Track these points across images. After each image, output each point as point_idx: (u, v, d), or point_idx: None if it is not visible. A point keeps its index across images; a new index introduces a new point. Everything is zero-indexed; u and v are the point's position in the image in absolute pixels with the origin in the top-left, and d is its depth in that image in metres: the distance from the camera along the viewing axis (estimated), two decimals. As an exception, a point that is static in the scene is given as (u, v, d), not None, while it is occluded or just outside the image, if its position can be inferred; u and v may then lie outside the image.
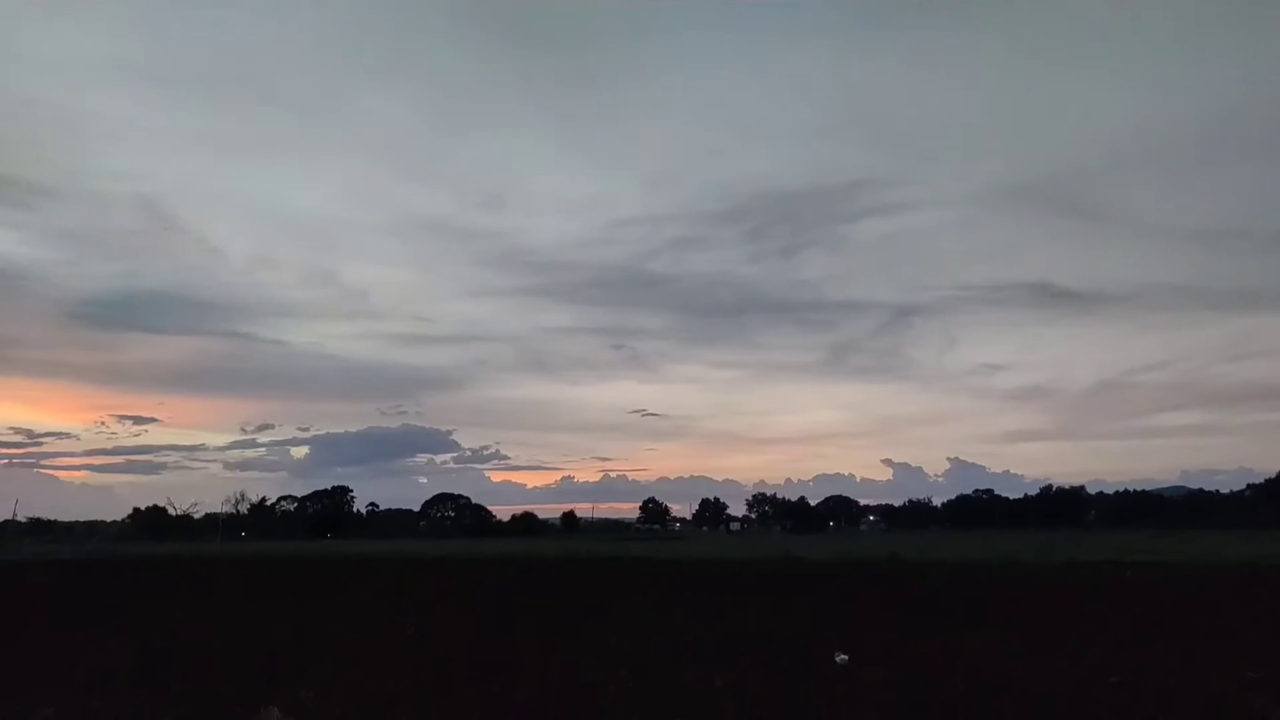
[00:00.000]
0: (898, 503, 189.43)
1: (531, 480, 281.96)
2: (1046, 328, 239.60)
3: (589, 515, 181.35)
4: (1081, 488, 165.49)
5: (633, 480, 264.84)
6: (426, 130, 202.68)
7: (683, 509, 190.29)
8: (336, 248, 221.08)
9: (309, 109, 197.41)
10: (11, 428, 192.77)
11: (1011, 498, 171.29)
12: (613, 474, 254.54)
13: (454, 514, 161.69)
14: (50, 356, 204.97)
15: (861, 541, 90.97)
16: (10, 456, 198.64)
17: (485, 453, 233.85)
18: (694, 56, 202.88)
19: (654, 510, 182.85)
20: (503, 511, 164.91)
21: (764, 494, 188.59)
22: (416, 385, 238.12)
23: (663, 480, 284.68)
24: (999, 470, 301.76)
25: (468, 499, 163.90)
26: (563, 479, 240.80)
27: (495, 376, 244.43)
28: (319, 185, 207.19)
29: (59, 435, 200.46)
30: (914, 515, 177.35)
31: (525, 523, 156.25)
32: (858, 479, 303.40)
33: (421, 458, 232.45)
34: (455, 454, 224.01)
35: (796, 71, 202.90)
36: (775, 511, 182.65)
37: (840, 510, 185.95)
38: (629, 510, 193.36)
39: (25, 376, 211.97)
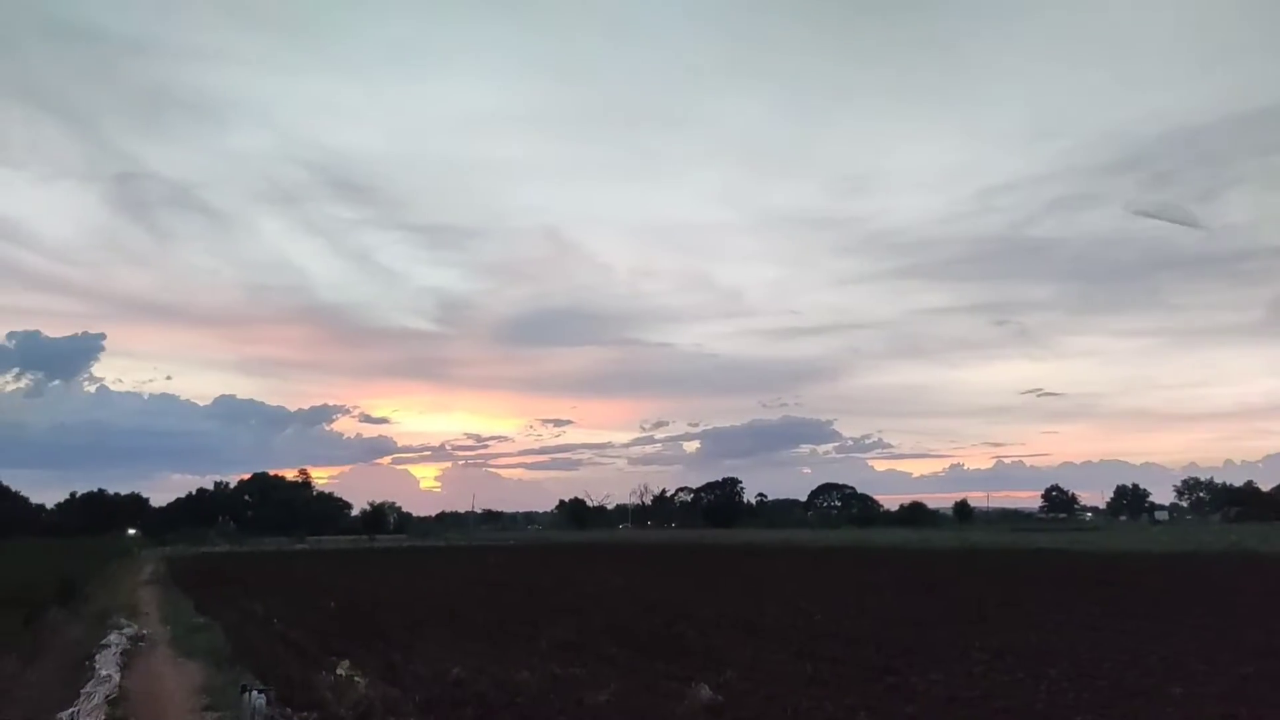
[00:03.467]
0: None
1: (917, 468, 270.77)
2: None
3: (983, 504, 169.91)
4: None
5: (1030, 466, 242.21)
6: (783, 125, 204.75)
7: (1093, 497, 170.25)
8: (709, 251, 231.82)
9: (672, 124, 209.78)
10: (465, 433, 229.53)
11: None
12: (1007, 460, 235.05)
13: (840, 503, 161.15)
14: (486, 372, 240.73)
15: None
16: (466, 458, 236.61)
17: (867, 441, 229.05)
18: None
19: (1059, 499, 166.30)
20: (889, 500, 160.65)
21: (1196, 478, 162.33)
22: (793, 377, 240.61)
23: (1066, 465, 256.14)
24: None
25: (852, 488, 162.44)
26: (951, 466, 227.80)
27: (870, 364, 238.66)
28: (689, 194, 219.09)
29: (499, 438, 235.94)
30: None
31: (914, 512, 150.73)
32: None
33: (804, 448, 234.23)
34: (837, 443, 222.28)
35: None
36: (1213, 498, 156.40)
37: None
38: (1027, 499, 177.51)
39: (470, 389, 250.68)
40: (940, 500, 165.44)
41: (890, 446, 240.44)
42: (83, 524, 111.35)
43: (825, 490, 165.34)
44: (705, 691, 10.32)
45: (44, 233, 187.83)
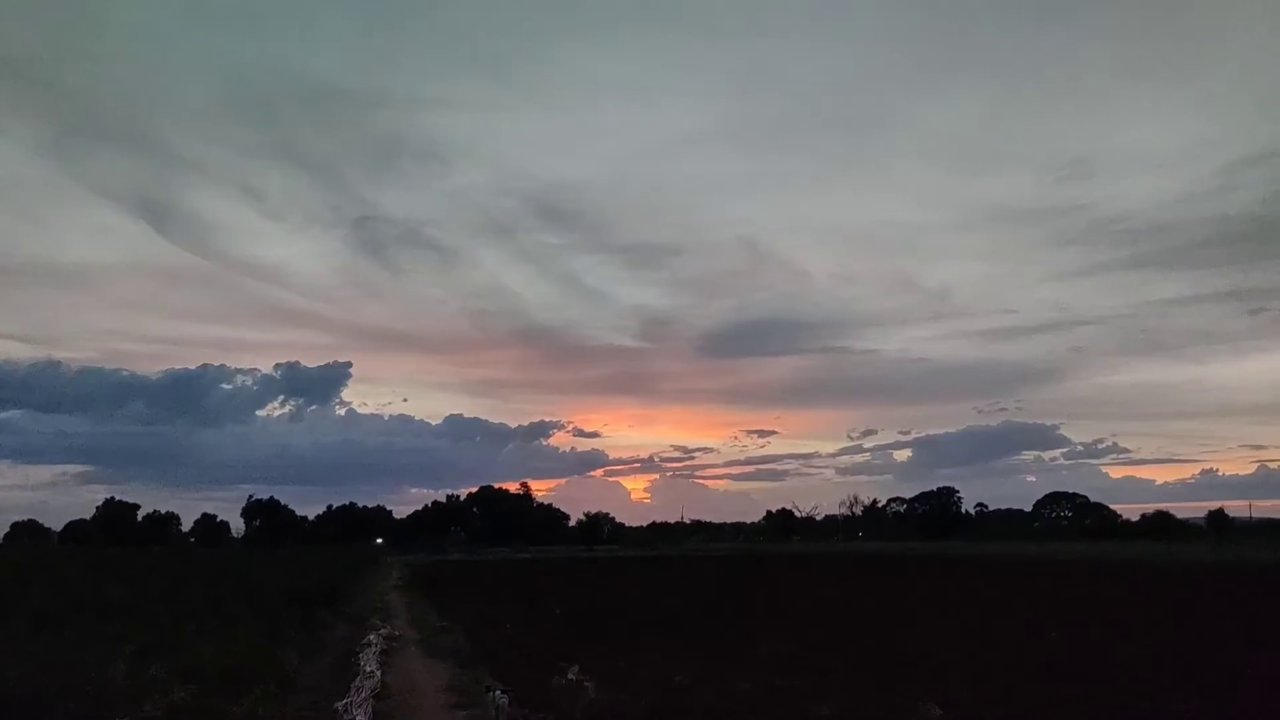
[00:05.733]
0: None
1: (1161, 475, 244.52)
2: None
3: (1243, 514, 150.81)
4: None
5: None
6: (987, 116, 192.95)
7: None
8: (912, 253, 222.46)
9: (867, 126, 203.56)
10: (672, 445, 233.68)
11: None
12: (1271, 465, 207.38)
13: (1070, 514, 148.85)
14: (690, 385, 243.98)
15: None
16: (673, 469, 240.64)
17: (1100, 447, 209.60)
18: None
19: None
20: (1128, 510, 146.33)
21: None
22: (1012, 380, 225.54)
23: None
24: None
25: (1085, 498, 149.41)
26: (1202, 472, 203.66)
27: (1099, 362, 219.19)
28: (888, 196, 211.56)
29: (704, 450, 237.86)
30: None
31: (1158, 522, 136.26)
32: None
33: (1028, 455, 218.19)
34: (1065, 449, 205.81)
35: None
36: None
37: None
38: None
39: (675, 404, 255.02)
40: (1190, 510, 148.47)
41: (1127, 451, 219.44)
42: (338, 533, 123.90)
43: (1053, 499, 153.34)
44: (936, 711, 9.92)
45: (300, 273, 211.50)
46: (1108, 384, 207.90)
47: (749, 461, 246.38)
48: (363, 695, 10.89)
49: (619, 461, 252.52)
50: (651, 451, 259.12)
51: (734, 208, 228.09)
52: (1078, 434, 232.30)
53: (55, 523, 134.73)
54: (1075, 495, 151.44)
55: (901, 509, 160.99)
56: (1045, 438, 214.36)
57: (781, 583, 33.19)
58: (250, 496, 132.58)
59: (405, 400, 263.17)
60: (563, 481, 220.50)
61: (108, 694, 10.25)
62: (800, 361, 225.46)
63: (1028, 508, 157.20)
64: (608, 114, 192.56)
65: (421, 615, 22.60)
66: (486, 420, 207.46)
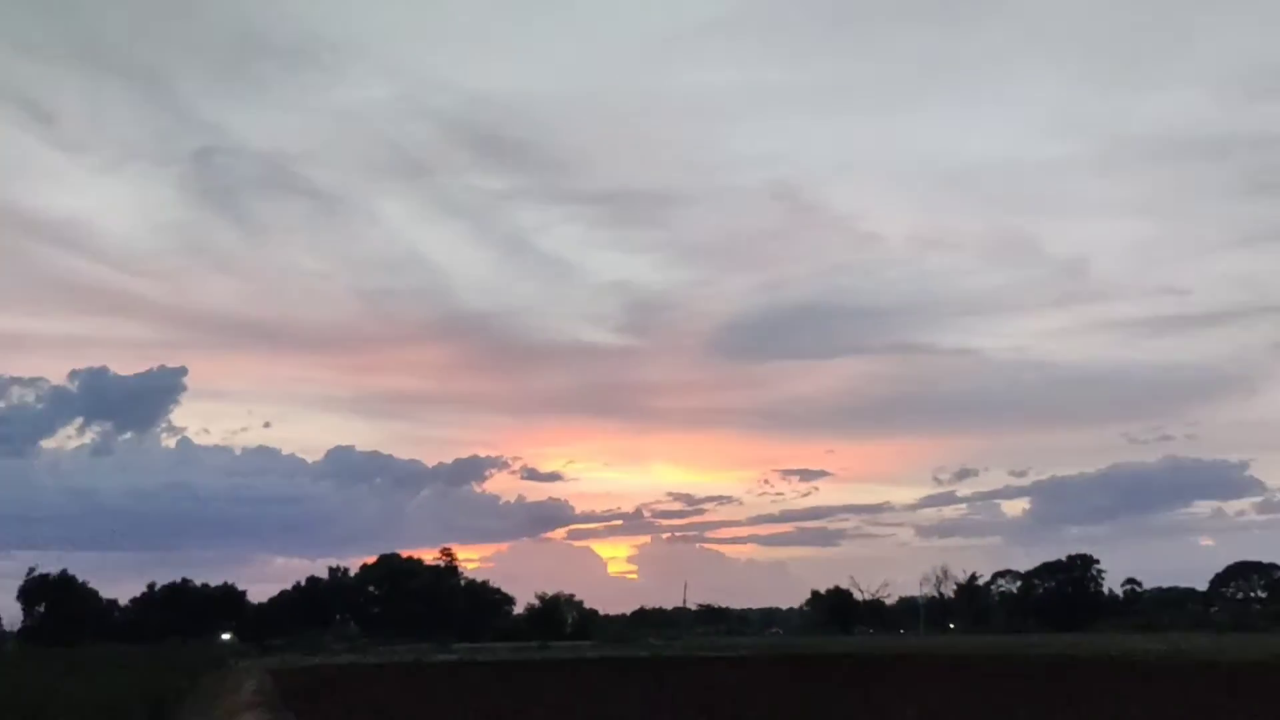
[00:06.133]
0: None
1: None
2: None
3: None
4: None
5: None
6: (1145, 6, 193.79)
7: None
8: (1033, 205, 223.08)
9: (965, 17, 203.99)
10: (669, 493, 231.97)
11: None
12: None
13: (1265, 593, 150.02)
14: (697, 402, 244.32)
15: None
16: (672, 528, 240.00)
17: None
18: None
19: None
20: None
21: None
22: (1179, 394, 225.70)
23: None
24: None
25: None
26: None
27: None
28: (996, 120, 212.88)
29: (719, 499, 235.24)
30: None
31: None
32: None
33: (1201, 507, 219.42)
34: (1258, 499, 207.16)
35: None
36: None
37: None
38: None
39: (675, 428, 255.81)
40: None
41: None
42: (163, 625, 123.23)
43: (1240, 571, 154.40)
44: None
45: (109, 233, 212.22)
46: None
47: (787, 517, 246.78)
48: None
49: (589, 517, 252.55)
50: (639, 502, 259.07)
51: (763, 137, 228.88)
52: (1277, 475, 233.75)
53: None
54: (1274, 567, 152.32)
55: (1014, 588, 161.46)
56: (1229, 481, 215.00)
57: (836, 699, 33.01)
58: (31, 570, 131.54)
59: (267, 425, 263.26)
60: (504, 547, 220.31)
61: None
62: (863, 366, 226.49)
63: (1202, 585, 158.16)
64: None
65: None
66: (390, 455, 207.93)
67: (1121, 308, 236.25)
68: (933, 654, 71.57)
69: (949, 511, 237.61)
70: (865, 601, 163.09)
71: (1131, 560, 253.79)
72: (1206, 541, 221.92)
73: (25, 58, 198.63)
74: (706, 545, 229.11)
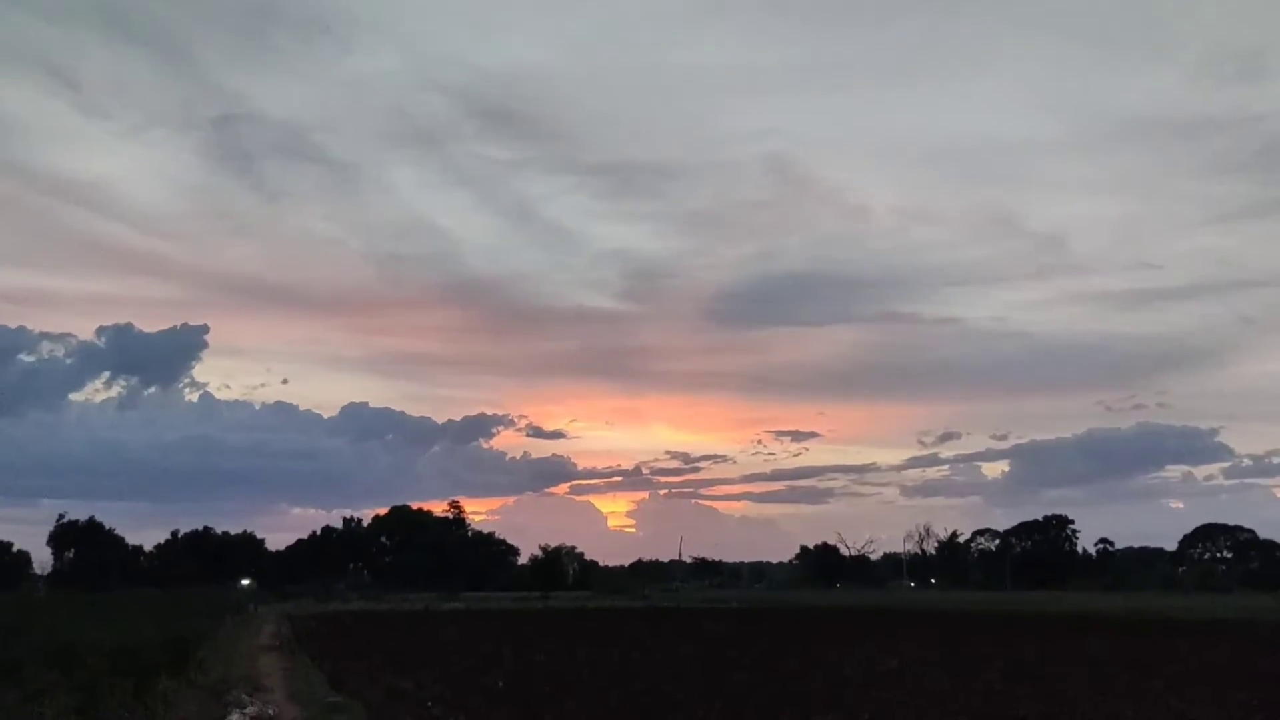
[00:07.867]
0: None
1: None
2: None
3: None
4: None
5: None
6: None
7: None
8: (1015, 180, 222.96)
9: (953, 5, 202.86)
10: (667, 451, 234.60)
11: None
12: None
13: (1230, 554, 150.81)
14: (695, 365, 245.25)
15: None
16: (669, 485, 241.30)
17: (1275, 461, 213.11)
18: None
19: None
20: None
21: None
22: (1152, 364, 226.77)
23: None
24: None
25: (1252, 532, 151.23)
26: None
27: (1277, 340, 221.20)
28: (980, 98, 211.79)
29: (715, 459, 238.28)
30: None
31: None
32: None
33: (1172, 471, 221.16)
34: (1225, 464, 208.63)
35: None
36: None
37: None
38: None
39: (674, 391, 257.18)
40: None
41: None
42: (187, 571, 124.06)
43: (1207, 534, 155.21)
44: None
45: (133, 197, 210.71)
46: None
47: (779, 476, 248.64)
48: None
49: (591, 473, 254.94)
50: (638, 460, 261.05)
51: (759, 112, 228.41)
52: (1244, 442, 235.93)
53: None
54: (1239, 528, 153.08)
55: (993, 546, 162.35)
56: (1198, 447, 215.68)
57: (823, 649, 33.39)
58: (61, 517, 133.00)
59: (285, 382, 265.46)
60: (510, 501, 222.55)
61: None
62: (852, 334, 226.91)
63: (1171, 546, 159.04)
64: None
65: (305, 687, 22.64)
66: (402, 413, 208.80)
67: (1098, 281, 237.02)
68: (916, 607, 72.04)
69: (932, 472, 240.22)
70: (851, 557, 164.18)
71: (1105, 521, 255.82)
72: (1176, 504, 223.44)
73: (54, 27, 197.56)
74: (701, 501, 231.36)
